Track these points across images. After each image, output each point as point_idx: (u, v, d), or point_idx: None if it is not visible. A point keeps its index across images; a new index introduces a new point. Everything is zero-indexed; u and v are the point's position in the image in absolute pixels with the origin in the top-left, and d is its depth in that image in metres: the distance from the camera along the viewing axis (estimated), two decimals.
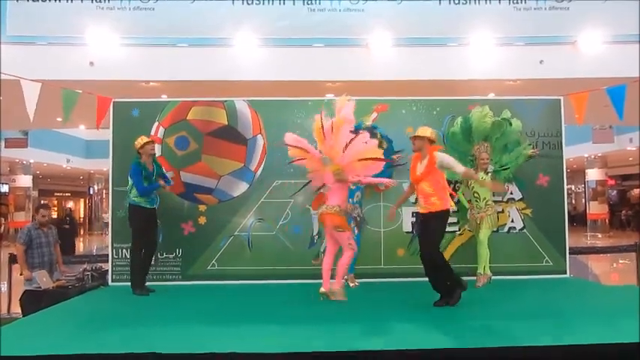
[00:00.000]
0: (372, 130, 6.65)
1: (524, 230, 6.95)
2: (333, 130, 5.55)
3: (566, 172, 7.23)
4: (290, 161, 6.19)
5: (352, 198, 6.40)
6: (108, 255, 7.01)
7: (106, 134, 7.16)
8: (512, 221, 6.96)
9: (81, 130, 18.47)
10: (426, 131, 5.35)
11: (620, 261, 13.48)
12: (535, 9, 9.07)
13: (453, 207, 5.84)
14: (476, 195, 6.50)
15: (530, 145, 6.76)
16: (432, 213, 5.22)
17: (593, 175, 24.51)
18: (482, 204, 6.44)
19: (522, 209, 6.94)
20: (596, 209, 24.35)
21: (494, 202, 6.59)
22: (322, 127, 5.61)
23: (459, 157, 6.61)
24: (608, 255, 12.27)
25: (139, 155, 6.23)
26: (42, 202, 23.96)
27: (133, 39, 8.66)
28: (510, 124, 6.61)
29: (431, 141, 5.32)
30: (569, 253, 7.08)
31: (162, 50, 8.67)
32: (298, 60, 8.81)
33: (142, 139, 6.25)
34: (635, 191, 30.33)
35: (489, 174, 6.51)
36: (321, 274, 5.65)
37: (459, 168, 5.36)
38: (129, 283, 6.34)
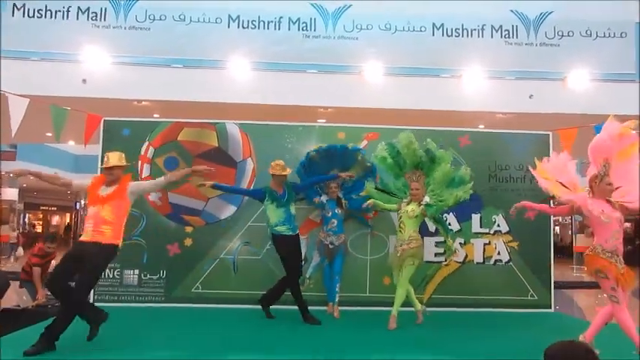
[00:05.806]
0: (358, 153, 6.71)
1: (510, 263, 6.96)
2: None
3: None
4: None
5: (327, 225, 6.42)
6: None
7: (95, 149, 7.11)
8: (499, 254, 6.97)
9: (70, 144, 18.36)
10: (122, 159, 4.86)
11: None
12: (526, 44, 9.21)
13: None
14: (402, 227, 5.83)
15: (471, 190, 5.85)
16: (99, 244, 4.52)
17: None
18: (406, 237, 5.73)
19: (508, 242, 6.95)
20: (583, 242, 24.38)
21: (482, 234, 6.57)
22: None
23: (393, 182, 6.25)
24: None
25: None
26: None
27: (128, 58, 8.67)
28: (434, 157, 5.95)
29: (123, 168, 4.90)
30: (555, 287, 7.10)
31: (156, 70, 8.68)
32: (291, 85, 8.85)
33: (280, 168, 6.06)
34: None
35: (421, 206, 5.77)
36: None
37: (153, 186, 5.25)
38: (111, 304, 6.28)
